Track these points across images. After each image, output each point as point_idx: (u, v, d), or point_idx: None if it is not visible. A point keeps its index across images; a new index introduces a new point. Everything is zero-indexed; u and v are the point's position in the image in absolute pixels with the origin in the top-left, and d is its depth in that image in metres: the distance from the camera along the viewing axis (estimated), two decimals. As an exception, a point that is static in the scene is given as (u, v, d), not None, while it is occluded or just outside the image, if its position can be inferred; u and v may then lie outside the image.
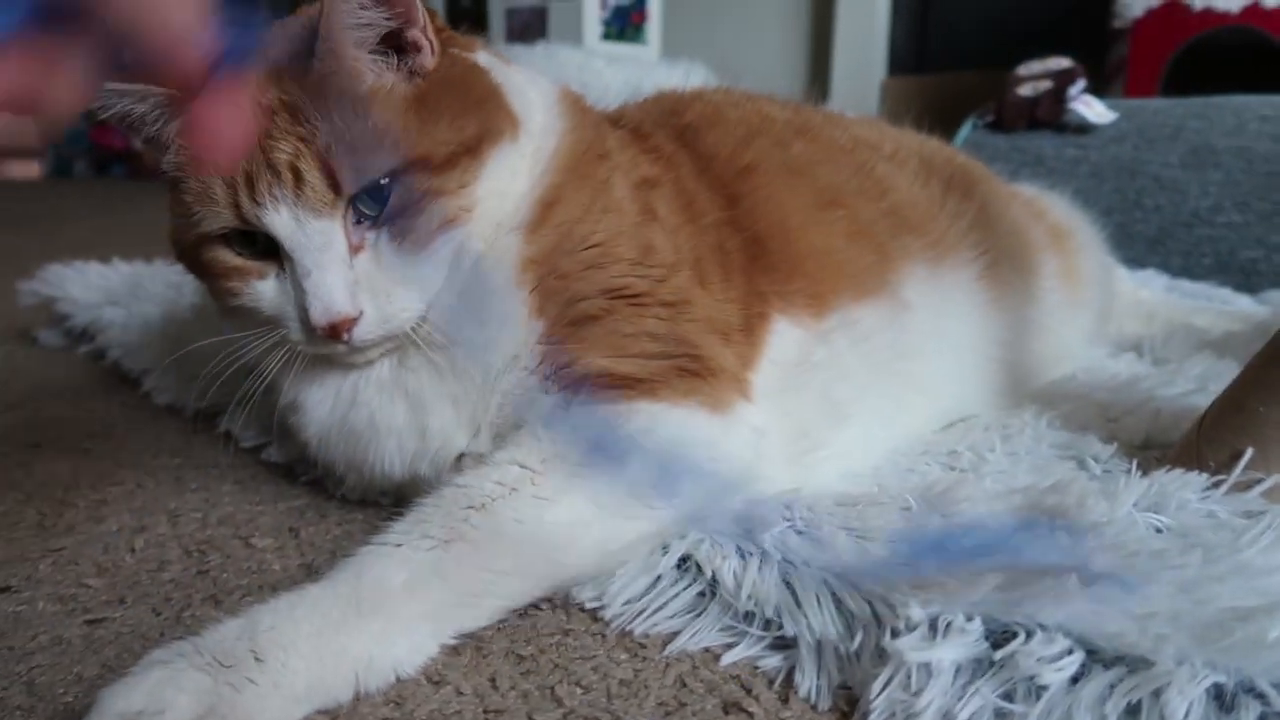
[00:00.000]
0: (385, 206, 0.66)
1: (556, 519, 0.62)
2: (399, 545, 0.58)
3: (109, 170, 5.39)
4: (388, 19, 0.66)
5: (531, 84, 0.78)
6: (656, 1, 3.64)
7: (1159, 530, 0.67)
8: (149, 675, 0.50)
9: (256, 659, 0.52)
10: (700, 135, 0.89)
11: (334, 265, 0.66)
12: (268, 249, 0.68)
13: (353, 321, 0.66)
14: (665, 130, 0.89)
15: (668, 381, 0.69)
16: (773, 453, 0.72)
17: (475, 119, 0.70)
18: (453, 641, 0.59)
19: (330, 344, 0.68)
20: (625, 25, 3.61)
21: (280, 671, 0.52)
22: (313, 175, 0.64)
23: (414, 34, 0.68)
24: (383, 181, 0.65)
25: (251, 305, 0.69)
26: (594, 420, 0.66)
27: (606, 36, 3.55)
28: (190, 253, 0.71)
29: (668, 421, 0.67)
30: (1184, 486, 0.70)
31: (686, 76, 2.51)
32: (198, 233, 0.68)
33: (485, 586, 0.60)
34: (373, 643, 0.55)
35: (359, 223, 0.67)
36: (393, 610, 0.56)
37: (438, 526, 0.59)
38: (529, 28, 3.66)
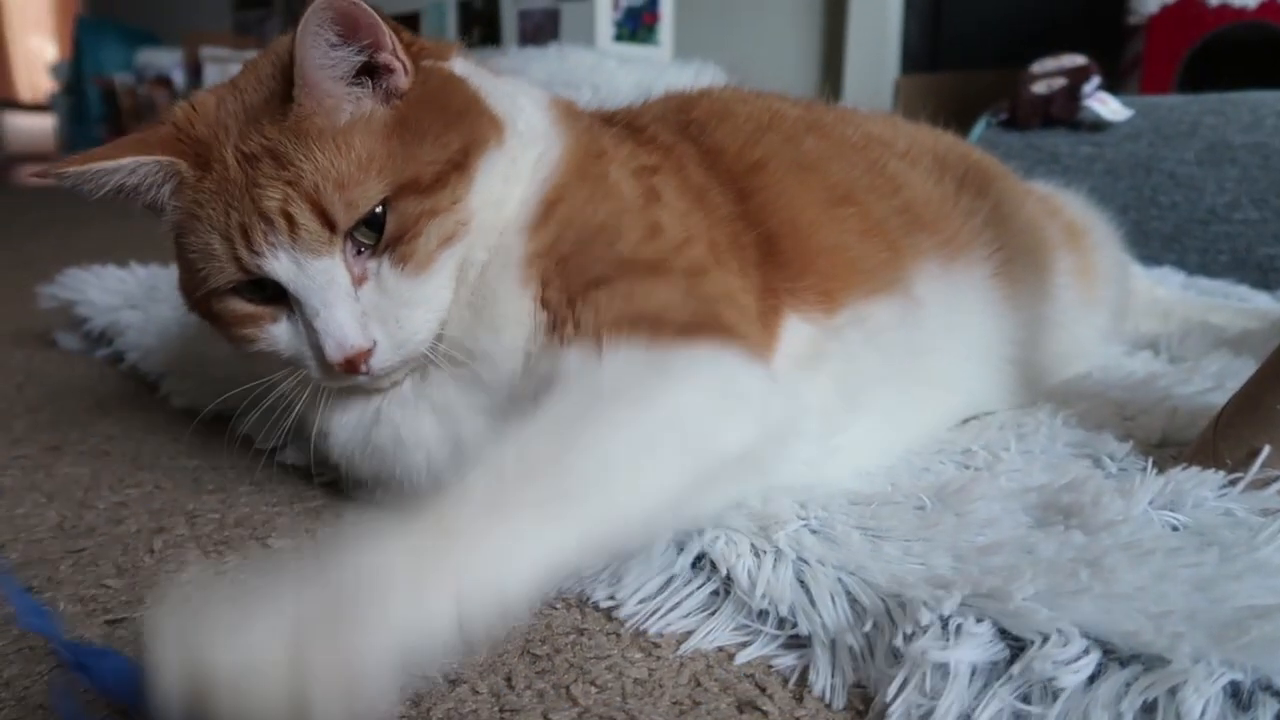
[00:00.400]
0: (382, 234, 0.66)
1: (630, 440, 0.57)
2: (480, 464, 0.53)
3: (126, 175, 5.43)
4: (357, 53, 0.66)
5: (522, 92, 0.78)
6: (669, 2, 3.64)
7: (1175, 528, 0.66)
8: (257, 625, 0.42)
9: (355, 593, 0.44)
10: (707, 130, 0.89)
11: (340, 301, 0.66)
12: (276, 292, 0.68)
13: (367, 353, 0.66)
14: (666, 124, 0.89)
15: (700, 328, 0.65)
16: (803, 412, 0.71)
17: (458, 132, 0.69)
18: (543, 572, 0.49)
19: (350, 377, 0.68)
20: (637, 26, 3.61)
21: (383, 606, 0.44)
22: (305, 218, 0.64)
23: (384, 58, 0.67)
24: (376, 210, 0.65)
25: (269, 349, 0.70)
26: (635, 358, 0.62)
27: (619, 38, 3.55)
28: (201, 305, 0.72)
29: (712, 360, 0.64)
30: (1200, 484, 0.70)
31: (699, 77, 2.51)
32: (206, 289, 0.69)
33: (569, 496, 0.52)
34: (471, 561, 0.47)
35: (359, 253, 0.67)
36: (480, 524, 0.49)
37: (513, 462, 0.53)
38: (541, 29, 3.67)
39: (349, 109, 0.66)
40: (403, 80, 0.69)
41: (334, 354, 0.66)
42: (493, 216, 0.70)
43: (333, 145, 0.64)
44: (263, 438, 0.94)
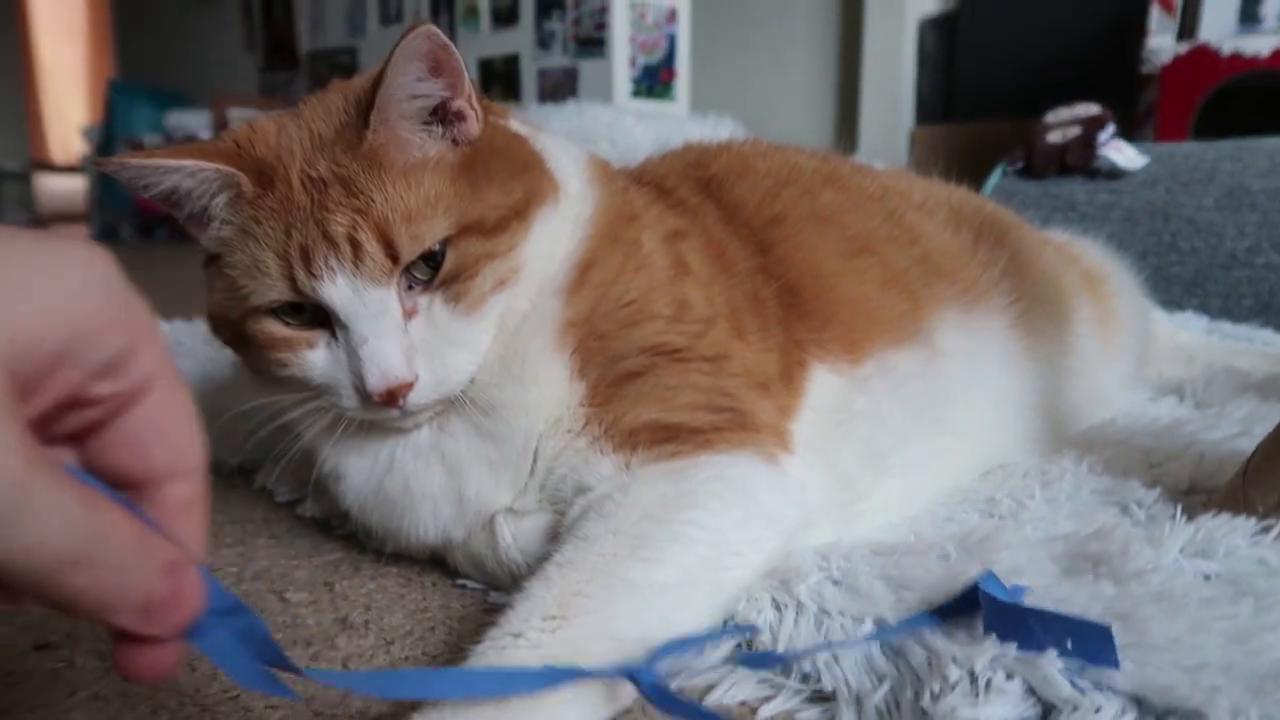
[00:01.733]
0: (438, 271, 0.67)
1: (666, 578, 0.60)
2: (520, 634, 0.56)
3: (152, 234, 5.55)
4: (441, 90, 0.68)
5: (564, 151, 0.80)
6: (685, 58, 3.71)
7: (1207, 577, 0.65)
8: None
9: None
10: (726, 186, 0.90)
11: (390, 332, 0.66)
12: (315, 318, 0.68)
13: (409, 387, 0.66)
14: (689, 183, 0.90)
15: (720, 434, 0.69)
16: (817, 503, 0.72)
17: (521, 184, 0.71)
18: None
19: (384, 410, 0.68)
20: (655, 83, 3.67)
21: None
22: (372, 246, 0.64)
23: (459, 104, 0.69)
24: (434, 247, 0.66)
25: (301, 375, 0.70)
26: (663, 477, 0.66)
27: (636, 94, 3.62)
28: (235, 326, 0.71)
29: (731, 471, 0.67)
30: (1232, 532, 0.68)
31: (716, 131, 2.54)
32: (246, 307, 0.68)
33: (618, 657, 0.56)
34: None
35: (410, 288, 0.67)
36: (539, 702, 0.52)
37: (555, 605, 0.57)
38: (560, 87, 3.74)
39: (419, 147, 0.68)
40: (474, 128, 0.70)
41: (376, 384, 0.65)
42: (540, 269, 0.72)
43: (403, 179, 0.66)
44: (280, 490, 0.94)
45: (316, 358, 0.69)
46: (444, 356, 0.68)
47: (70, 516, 0.32)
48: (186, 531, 0.39)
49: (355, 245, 0.64)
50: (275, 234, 0.66)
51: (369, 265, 0.65)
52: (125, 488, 0.38)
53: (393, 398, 0.66)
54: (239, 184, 0.67)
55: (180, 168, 0.67)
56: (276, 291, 0.67)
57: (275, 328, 0.69)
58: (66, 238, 0.35)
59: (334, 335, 0.68)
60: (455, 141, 0.70)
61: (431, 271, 0.67)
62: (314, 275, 0.65)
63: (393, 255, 0.65)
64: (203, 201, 0.69)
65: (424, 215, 0.65)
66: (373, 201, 0.65)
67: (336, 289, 0.65)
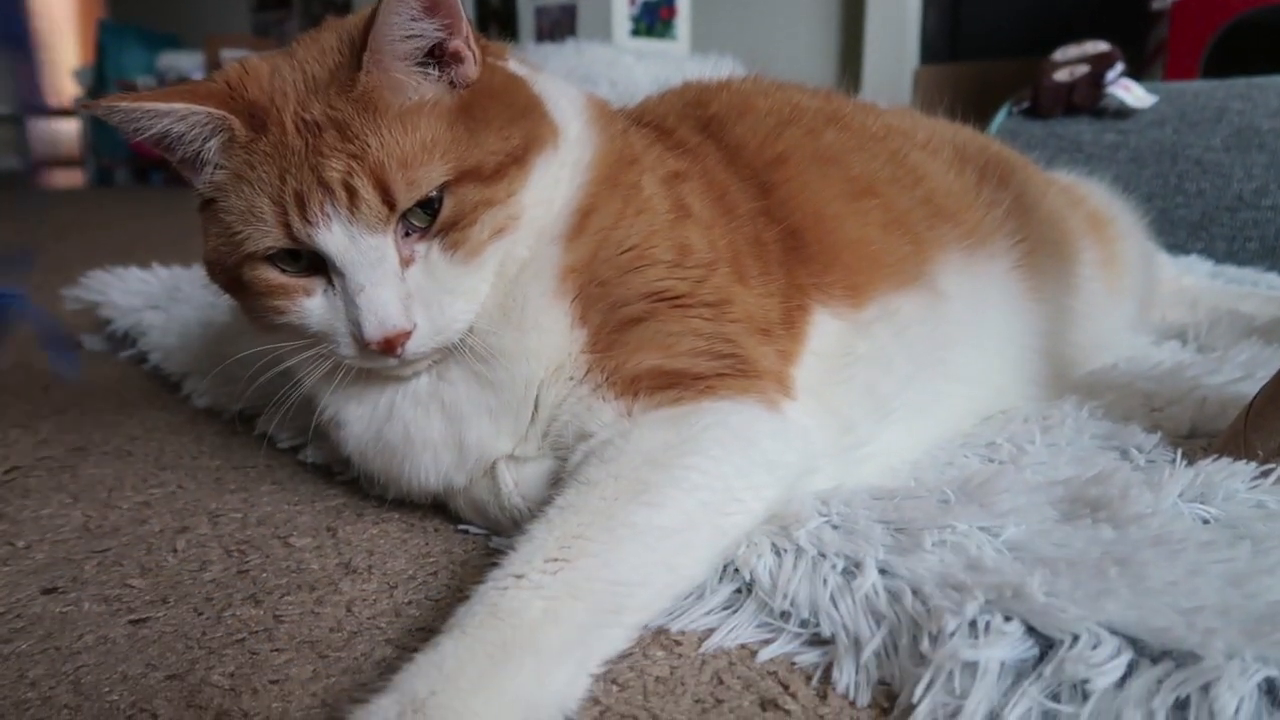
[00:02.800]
0: (436, 218, 0.66)
1: (667, 523, 0.60)
2: (521, 575, 0.56)
3: (149, 178, 5.50)
4: (437, 30, 0.66)
5: (563, 94, 0.78)
6: (685, -5, 3.63)
7: (1206, 521, 0.65)
8: None
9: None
10: (727, 126, 0.88)
11: (387, 280, 0.65)
12: (312, 265, 0.68)
13: (407, 335, 0.66)
14: (689, 122, 0.88)
15: (722, 380, 0.69)
16: (818, 450, 0.72)
17: (520, 129, 0.69)
18: (600, 670, 0.56)
19: (382, 358, 0.67)
20: (655, 21, 3.60)
21: None
22: (368, 192, 0.63)
23: (457, 45, 0.67)
24: (432, 194, 0.65)
25: (298, 323, 0.69)
26: (665, 423, 0.66)
27: (636, 33, 3.55)
28: (231, 273, 0.70)
29: (734, 418, 0.67)
30: (1231, 476, 0.68)
31: (716, 70, 2.50)
32: (241, 254, 0.68)
33: (619, 600, 0.57)
34: (532, 683, 0.51)
35: (406, 235, 0.66)
36: (540, 643, 0.52)
37: (556, 548, 0.57)
38: (558, 25, 3.67)
39: (414, 89, 0.66)
40: (471, 70, 0.69)
41: (374, 333, 0.65)
42: (540, 216, 0.71)
43: (399, 123, 0.64)
44: (282, 436, 0.95)
45: (313, 305, 0.69)
46: (442, 305, 0.67)
47: None
48: None
49: (351, 192, 0.63)
50: (270, 179, 0.65)
51: (365, 212, 0.64)
52: None
53: (390, 346, 0.66)
54: (231, 127, 0.66)
55: (170, 111, 0.65)
56: (272, 238, 0.66)
57: (271, 275, 0.68)
58: None
59: (331, 283, 0.68)
60: (453, 84, 0.68)
61: (429, 218, 0.66)
62: (309, 222, 0.64)
63: (389, 202, 0.64)
64: (195, 146, 0.67)
65: (420, 161, 0.64)
66: (368, 146, 0.63)
67: (333, 236, 0.64)
